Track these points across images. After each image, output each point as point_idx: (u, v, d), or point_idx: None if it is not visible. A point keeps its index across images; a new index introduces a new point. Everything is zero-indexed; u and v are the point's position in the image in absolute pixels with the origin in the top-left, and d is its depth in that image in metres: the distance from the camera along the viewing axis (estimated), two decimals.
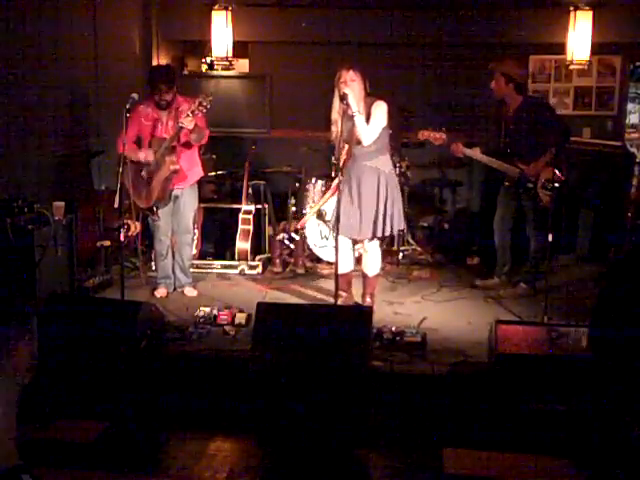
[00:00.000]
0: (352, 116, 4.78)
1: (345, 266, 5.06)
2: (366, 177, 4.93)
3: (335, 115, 4.95)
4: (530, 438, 3.64)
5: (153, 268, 6.11)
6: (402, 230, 5.47)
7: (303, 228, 6.22)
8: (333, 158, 5.87)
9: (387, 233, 5.04)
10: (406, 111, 6.75)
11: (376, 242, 5.12)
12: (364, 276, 5.24)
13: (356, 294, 5.33)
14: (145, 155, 5.38)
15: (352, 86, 4.79)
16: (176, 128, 5.24)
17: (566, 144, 5.50)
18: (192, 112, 5.14)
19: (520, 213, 5.68)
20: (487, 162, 5.61)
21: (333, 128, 4.98)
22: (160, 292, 5.62)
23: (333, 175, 5.59)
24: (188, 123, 5.17)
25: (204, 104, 5.14)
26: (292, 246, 6.43)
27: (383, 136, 4.94)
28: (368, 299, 5.23)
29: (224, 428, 3.82)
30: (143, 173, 5.41)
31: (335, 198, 4.91)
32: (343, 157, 4.95)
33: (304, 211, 6.35)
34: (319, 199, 6.22)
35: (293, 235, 6.39)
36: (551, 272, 5.13)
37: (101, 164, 6.63)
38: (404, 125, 6.69)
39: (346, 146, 4.91)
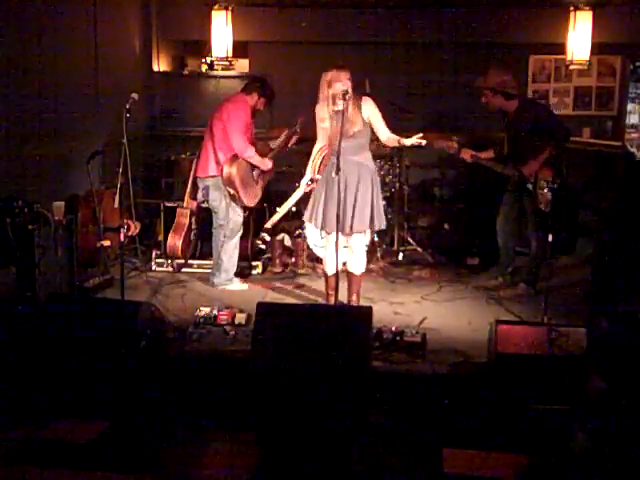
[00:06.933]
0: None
1: (334, 266, 4.90)
2: (354, 171, 4.90)
3: (324, 114, 4.94)
4: (530, 438, 3.64)
5: (153, 268, 6.16)
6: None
7: (273, 228, 6.18)
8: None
9: (377, 227, 5.06)
10: (406, 111, 6.73)
11: (362, 240, 5.08)
12: (349, 275, 5.17)
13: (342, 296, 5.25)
14: (269, 165, 5.79)
15: (348, 85, 4.80)
16: (282, 144, 5.95)
17: (564, 144, 5.51)
18: (294, 132, 5.91)
19: (521, 214, 5.69)
20: (492, 166, 5.69)
21: (324, 125, 4.98)
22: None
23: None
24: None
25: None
26: (264, 247, 6.43)
27: (367, 132, 4.98)
28: (354, 298, 5.19)
29: (224, 428, 3.82)
30: (255, 173, 5.73)
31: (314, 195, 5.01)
32: (320, 157, 5.01)
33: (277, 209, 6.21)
34: None
35: (265, 236, 6.33)
36: (551, 272, 5.12)
37: (101, 164, 6.62)
38: (404, 125, 6.68)
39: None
